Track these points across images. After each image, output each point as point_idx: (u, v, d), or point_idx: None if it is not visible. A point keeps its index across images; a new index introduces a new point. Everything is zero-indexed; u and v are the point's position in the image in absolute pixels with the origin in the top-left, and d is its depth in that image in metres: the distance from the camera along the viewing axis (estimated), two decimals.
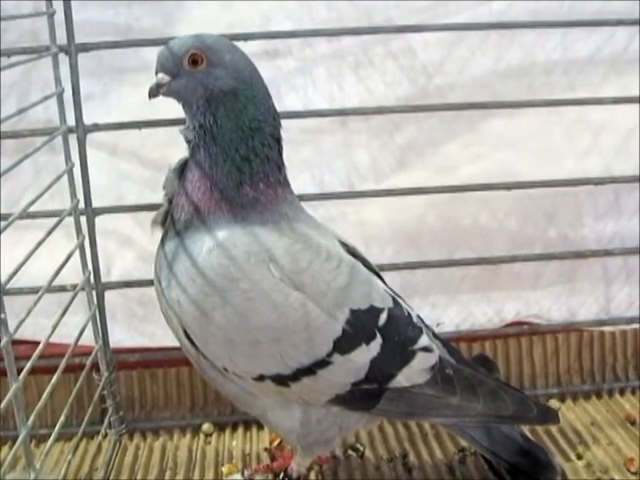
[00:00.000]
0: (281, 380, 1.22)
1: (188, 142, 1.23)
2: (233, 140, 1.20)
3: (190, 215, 1.21)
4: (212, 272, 1.17)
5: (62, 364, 1.35)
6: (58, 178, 1.45)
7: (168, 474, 1.56)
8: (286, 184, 1.26)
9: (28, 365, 1.15)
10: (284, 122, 1.28)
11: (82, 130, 1.55)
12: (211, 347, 1.22)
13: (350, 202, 1.73)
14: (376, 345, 1.24)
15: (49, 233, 1.27)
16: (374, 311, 1.25)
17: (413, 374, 1.26)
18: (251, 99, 1.20)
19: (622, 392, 1.81)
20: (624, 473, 1.48)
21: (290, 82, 1.75)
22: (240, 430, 1.72)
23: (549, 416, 1.37)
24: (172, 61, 1.19)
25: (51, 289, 1.33)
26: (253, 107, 1.20)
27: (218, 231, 1.19)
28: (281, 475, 1.38)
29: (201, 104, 1.19)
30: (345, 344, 1.21)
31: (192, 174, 1.22)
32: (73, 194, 1.55)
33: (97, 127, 1.56)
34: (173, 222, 1.23)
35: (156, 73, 1.21)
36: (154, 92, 1.22)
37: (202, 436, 1.71)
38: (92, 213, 1.58)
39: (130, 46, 1.60)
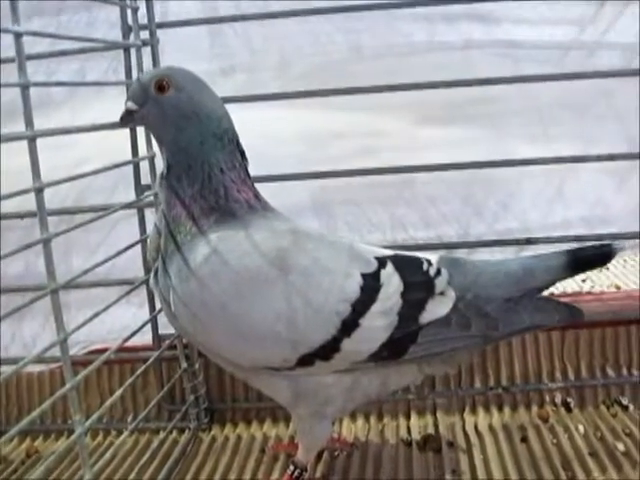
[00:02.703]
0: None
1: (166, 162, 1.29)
2: (202, 153, 1.25)
3: (178, 224, 1.26)
4: (209, 281, 1.20)
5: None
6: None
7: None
8: (254, 187, 1.31)
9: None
10: None
11: None
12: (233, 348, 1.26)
13: None
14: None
15: None
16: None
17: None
18: (211, 117, 1.26)
19: None
20: None
21: None
22: None
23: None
24: (140, 90, 1.26)
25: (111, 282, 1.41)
26: (215, 123, 1.26)
27: (209, 235, 1.23)
28: (291, 467, 1.38)
29: (169, 125, 1.25)
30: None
31: (174, 189, 1.27)
32: (154, 182, 1.56)
33: None
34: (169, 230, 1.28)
35: (125, 103, 1.29)
36: (126, 119, 1.29)
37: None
38: None
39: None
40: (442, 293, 1.25)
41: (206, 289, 1.20)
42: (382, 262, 1.26)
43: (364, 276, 1.23)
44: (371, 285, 1.23)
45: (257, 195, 1.30)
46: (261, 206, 1.29)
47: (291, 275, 1.20)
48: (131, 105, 1.27)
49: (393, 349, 1.24)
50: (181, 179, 1.26)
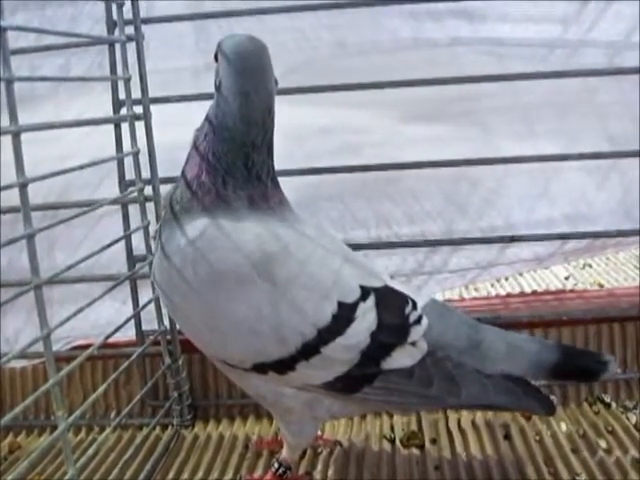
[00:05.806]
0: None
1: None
2: (224, 135, 1.22)
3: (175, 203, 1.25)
4: (186, 268, 1.20)
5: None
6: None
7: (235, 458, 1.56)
8: (267, 184, 1.25)
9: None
10: None
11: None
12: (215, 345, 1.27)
13: None
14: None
15: None
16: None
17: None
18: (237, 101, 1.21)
19: None
20: None
21: None
22: None
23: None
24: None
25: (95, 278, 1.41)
26: (243, 110, 1.21)
27: (197, 220, 1.21)
28: (275, 465, 1.39)
29: (216, 95, 1.24)
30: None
31: (197, 144, 1.26)
32: (138, 178, 1.57)
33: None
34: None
35: None
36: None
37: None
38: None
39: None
40: (413, 343, 1.22)
41: (181, 275, 1.19)
42: (365, 293, 1.22)
43: (341, 305, 1.20)
44: (345, 316, 1.20)
45: (266, 194, 1.24)
46: (269, 205, 1.24)
47: (267, 282, 1.18)
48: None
49: (347, 385, 1.22)
50: (205, 139, 1.24)
